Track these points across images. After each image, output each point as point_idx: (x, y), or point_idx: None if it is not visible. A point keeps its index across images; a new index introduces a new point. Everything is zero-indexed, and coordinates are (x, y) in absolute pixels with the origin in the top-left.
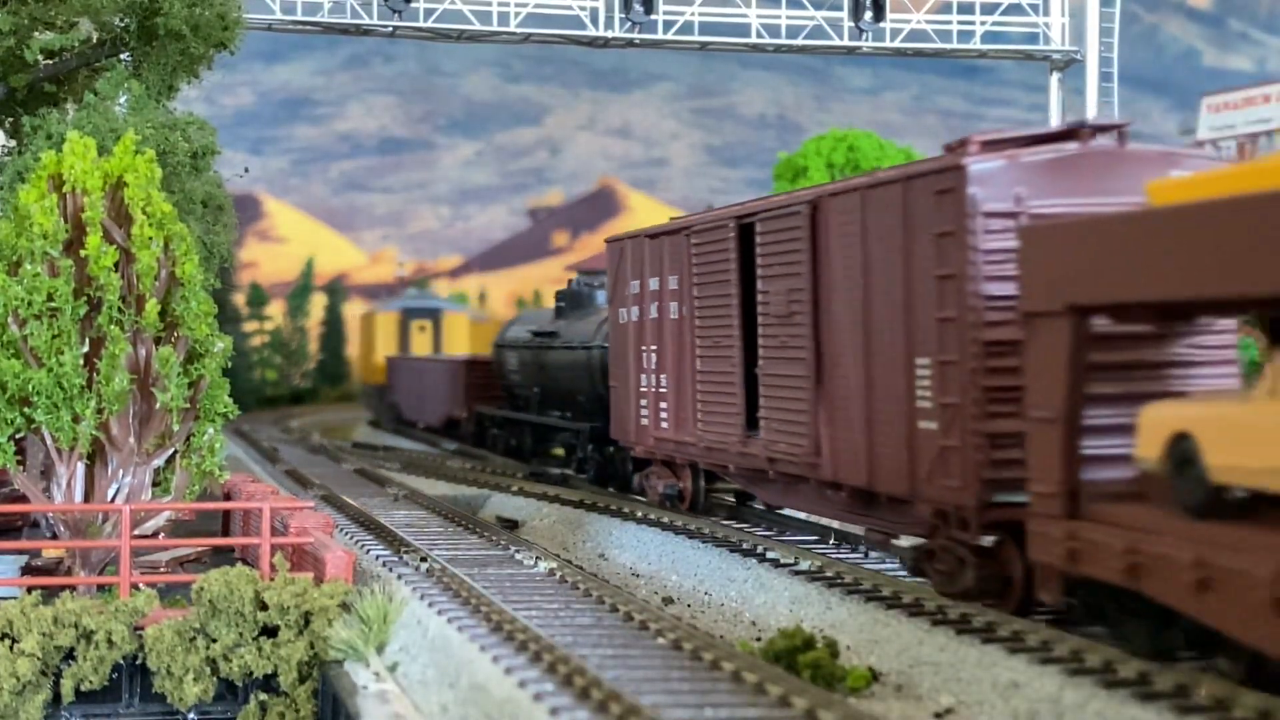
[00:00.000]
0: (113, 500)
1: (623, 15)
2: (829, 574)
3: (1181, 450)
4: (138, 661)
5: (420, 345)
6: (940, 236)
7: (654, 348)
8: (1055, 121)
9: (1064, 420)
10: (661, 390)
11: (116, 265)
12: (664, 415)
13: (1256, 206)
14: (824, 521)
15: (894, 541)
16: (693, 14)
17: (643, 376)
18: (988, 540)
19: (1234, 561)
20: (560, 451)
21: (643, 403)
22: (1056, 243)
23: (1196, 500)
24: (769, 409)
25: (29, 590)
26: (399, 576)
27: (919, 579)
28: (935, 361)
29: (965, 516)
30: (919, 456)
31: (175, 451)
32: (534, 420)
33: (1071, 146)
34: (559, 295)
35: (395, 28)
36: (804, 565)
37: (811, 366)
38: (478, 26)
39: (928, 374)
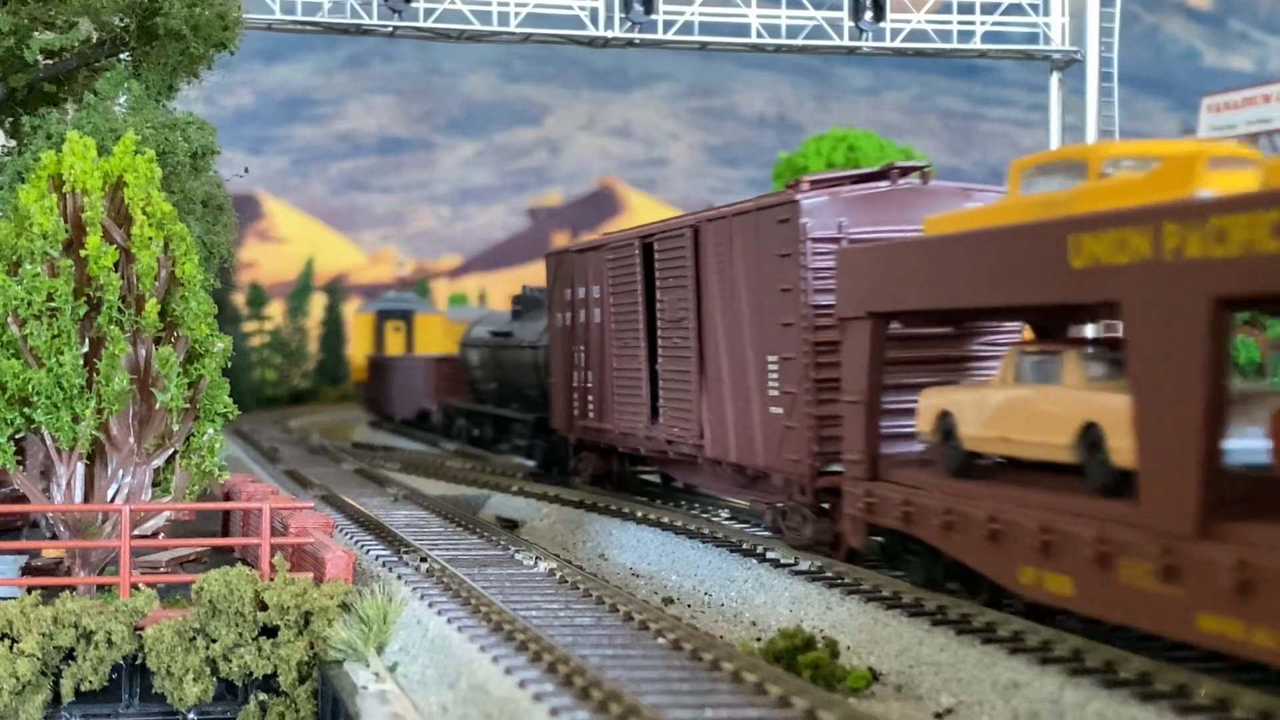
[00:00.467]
0: (112, 500)
1: (623, 15)
2: (829, 574)
3: (945, 425)
4: (137, 662)
5: (394, 345)
6: (782, 257)
7: (582, 348)
8: (1055, 122)
9: (867, 403)
10: (588, 385)
11: (116, 265)
12: (590, 406)
13: (975, 239)
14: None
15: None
16: (693, 14)
17: (574, 373)
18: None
19: (965, 507)
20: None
21: (574, 396)
22: (860, 262)
23: (955, 464)
24: (666, 400)
25: (29, 590)
26: (399, 577)
27: (776, 534)
28: (780, 359)
29: (803, 484)
30: (771, 436)
31: (175, 452)
32: (492, 412)
33: (883, 184)
34: (515, 299)
35: (395, 28)
36: (804, 565)
37: (695, 364)
38: (478, 26)
39: (775, 369)
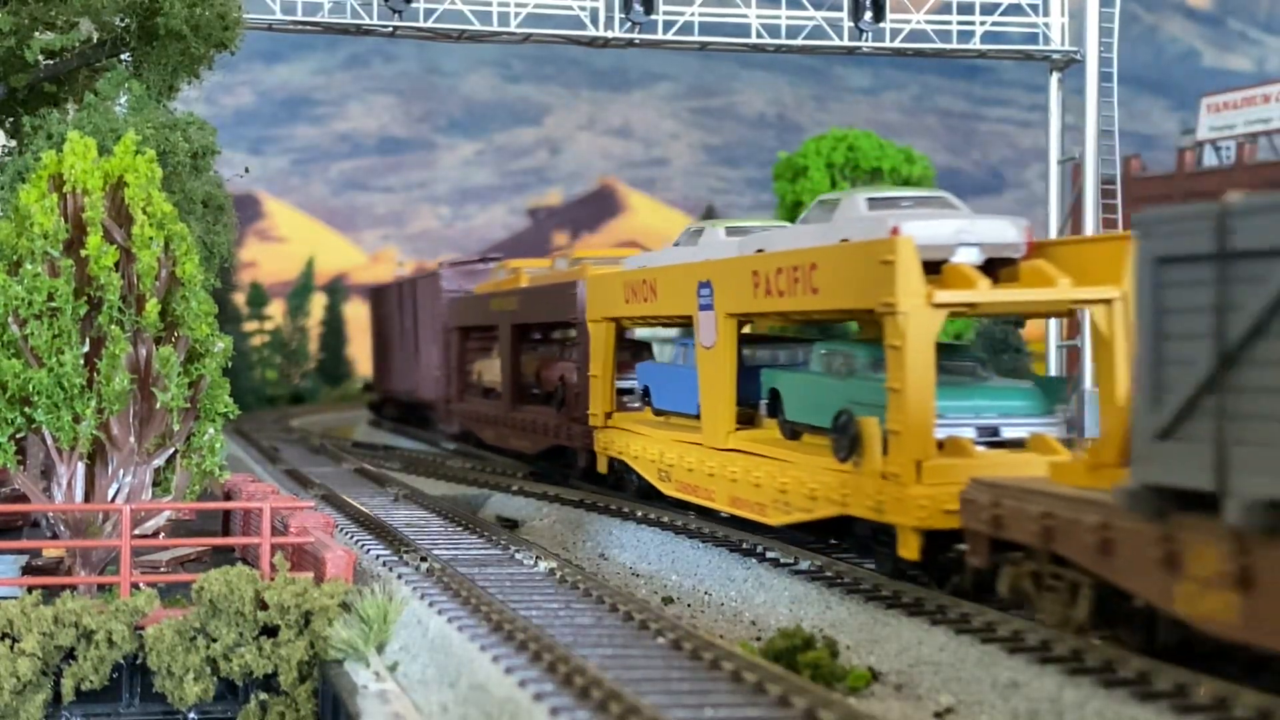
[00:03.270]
0: (113, 500)
1: (623, 15)
2: (829, 574)
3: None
4: (138, 661)
5: None
6: (434, 302)
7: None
8: (1055, 122)
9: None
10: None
11: (117, 265)
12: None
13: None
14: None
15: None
16: (693, 14)
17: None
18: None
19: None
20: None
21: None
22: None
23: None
24: (405, 367)
25: (29, 590)
26: (399, 576)
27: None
28: (437, 347)
29: (444, 408)
30: (429, 384)
31: (175, 451)
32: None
33: (480, 265)
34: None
35: (395, 28)
36: (804, 565)
37: (412, 349)
38: (478, 26)
39: (434, 352)
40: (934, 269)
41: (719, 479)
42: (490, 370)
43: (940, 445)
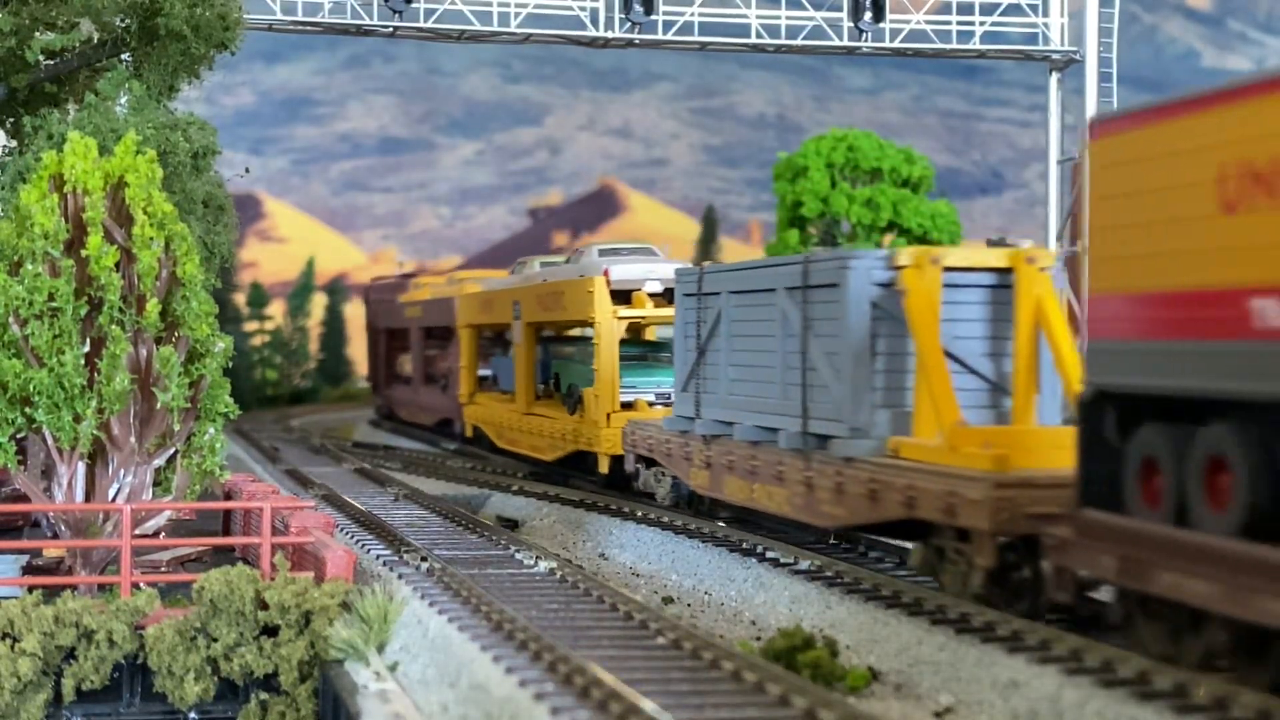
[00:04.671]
0: (113, 500)
1: (623, 15)
2: (828, 573)
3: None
4: (138, 661)
5: None
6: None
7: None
8: (1054, 122)
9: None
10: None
11: (117, 265)
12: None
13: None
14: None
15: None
16: (693, 14)
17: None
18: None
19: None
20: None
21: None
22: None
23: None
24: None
25: (30, 590)
26: (399, 576)
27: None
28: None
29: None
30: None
31: (176, 451)
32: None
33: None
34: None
35: (395, 28)
36: (804, 565)
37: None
38: (478, 26)
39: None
40: (626, 297)
41: (525, 433)
42: (405, 363)
43: (632, 405)
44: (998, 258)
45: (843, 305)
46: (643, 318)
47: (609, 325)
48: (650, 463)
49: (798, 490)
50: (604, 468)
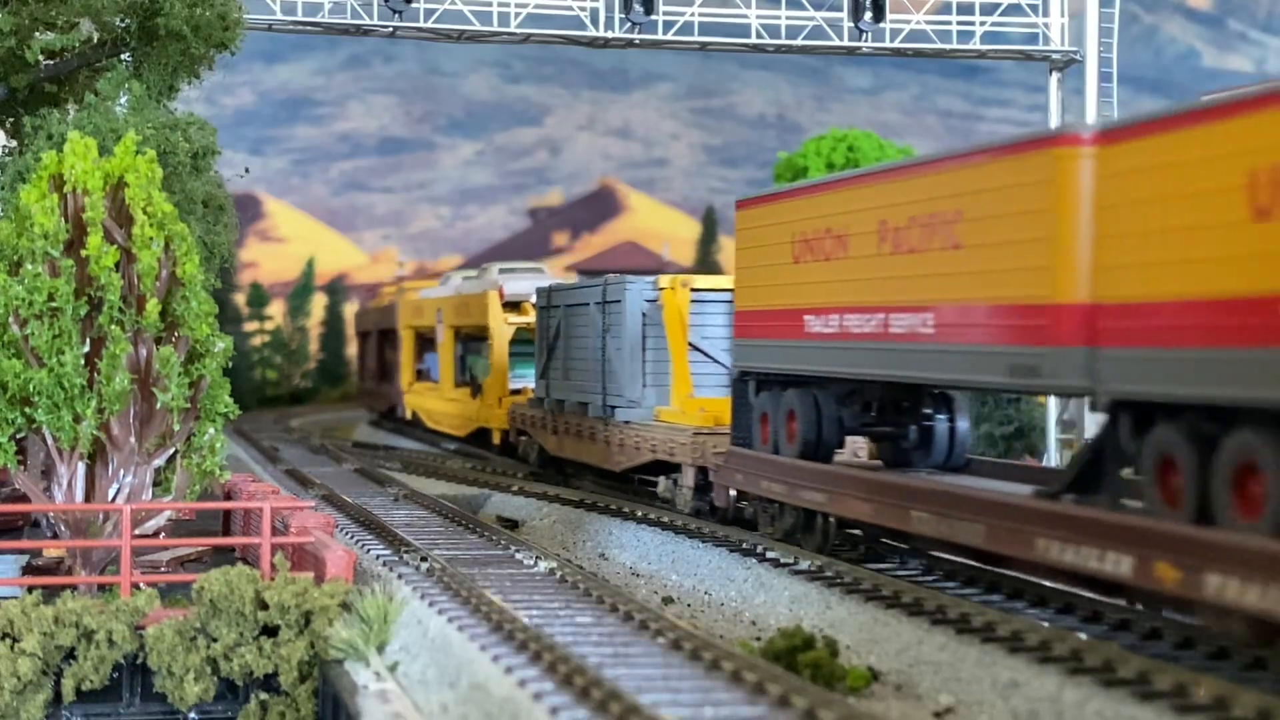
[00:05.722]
0: (113, 500)
1: (623, 15)
2: (829, 574)
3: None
4: (138, 661)
5: None
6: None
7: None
8: (1055, 122)
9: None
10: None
11: (117, 265)
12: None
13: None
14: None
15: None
16: (693, 14)
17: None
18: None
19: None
20: None
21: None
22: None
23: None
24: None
25: (30, 590)
26: (399, 576)
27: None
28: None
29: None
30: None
31: (176, 451)
32: None
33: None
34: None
35: (395, 28)
36: (804, 565)
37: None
38: (478, 26)
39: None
40: (517, 306)
41: (446, 415)
42: (370, 360)
43: (519, 391)
44: (729, 282)
45: (624, 315)
46: (528, 324)
47: (501, 329)
48: (523, 433)
49: (601, 446)
50: (496, 439)
